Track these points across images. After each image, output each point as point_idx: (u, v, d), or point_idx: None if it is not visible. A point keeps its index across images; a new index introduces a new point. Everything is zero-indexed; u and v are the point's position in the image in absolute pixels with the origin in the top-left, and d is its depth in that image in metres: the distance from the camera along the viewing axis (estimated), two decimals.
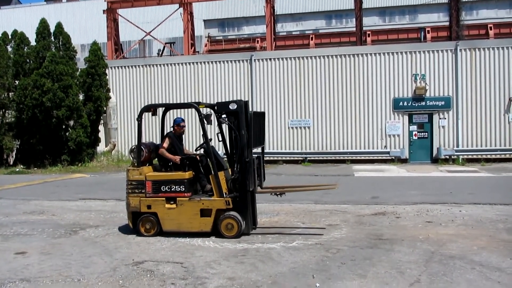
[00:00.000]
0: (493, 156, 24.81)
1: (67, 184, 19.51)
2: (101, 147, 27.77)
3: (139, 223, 9.70)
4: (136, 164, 9.88)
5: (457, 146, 25.04)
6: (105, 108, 27.09)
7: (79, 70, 26.77)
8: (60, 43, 26.46)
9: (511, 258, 7.71)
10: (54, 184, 19.56)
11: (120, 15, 37.19)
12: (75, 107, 24.96)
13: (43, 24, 26.41)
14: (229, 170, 9.74)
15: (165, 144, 9.92)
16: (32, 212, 12.93)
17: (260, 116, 10.22)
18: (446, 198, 13.83)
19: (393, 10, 47.77)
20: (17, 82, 25.99)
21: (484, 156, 24.73)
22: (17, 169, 25.05)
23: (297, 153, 26.42)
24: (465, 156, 24.92)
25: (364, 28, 35.08)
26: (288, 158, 26.44)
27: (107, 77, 27.46)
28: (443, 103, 25.25)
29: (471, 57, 25.17)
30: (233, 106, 9.46)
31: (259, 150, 10.21)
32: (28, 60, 26.26)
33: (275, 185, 11.25)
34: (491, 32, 37.15)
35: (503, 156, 24.79)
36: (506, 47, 24.95)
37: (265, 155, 10.34)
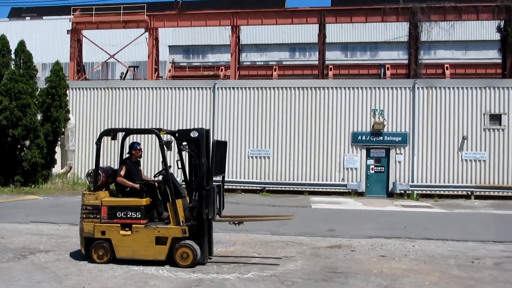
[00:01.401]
0: (446, 192, 25.42)
1: (19, 206, 18.98)
2: (57, 169, 27.14)
3: (92, 249, 9.49)
4: (92, 188, 9.72)
5: (412, 181, 25.57)
6: (63, 130, 26.62)
7: (39, 89, 26.30)
8: (21, 61, 25.97)
9: None
10: (5, 205, 18.98)
11: (85, 36, 36.93)
12: (32, 127, 24.46)
13: (2, 41, 25.94)
14: (187, 198, 9.69)
15: (122, 172, 9.84)
16: None
17: (222, 145, 10.27)
18: (400, 233, 14.06)
19: (355, 46, 49.00)
20: None
21: (437, 192, 25.31)
22: None
23: (256, 182, 26.46)
24: (420, 192, 25.45)
25: (326, 62, 35.81)
26: (246, 187, 26.43)
27: (67, 98, 27.05)
28: (400, 138, 25.84)
29: (428, 95, 25.94)
30: (194, 134, 9.48)
31: (219, 178, 10.21)
32: None
33: (233, 214, 11.23)
34: (447, 72, 38.44)
35: (455, 193, 25.42)
36: (461, 87, 25.83)
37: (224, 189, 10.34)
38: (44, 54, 45.44)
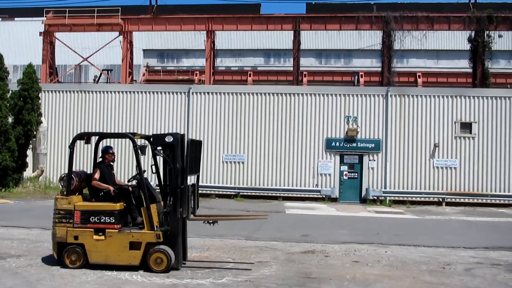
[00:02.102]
0: (418, 199, 25.75)
1: None
2: (28, 173, 26.70)
3: (65, 254, 9.39)
4: (65, 192, 9.62)
5: (385, 187, 25.85)
6: (35, 133, 26.19)
7: (11, 91, 25.84)
8: None
9: None
10: None
11: (57, 39, 36.50)
12: (3, 129, 24.02)
13: None
14: (162, 203, 9.66)
15: (96, 175, 9.78)
16: None
17: (197, 144, 10.25)
18: (373, 239, 14.21)
19: (329, 53, 49.49)
20: None
21: (409, 198, 25.60)
22: None
23: (230, 187, 26.42)
24: (392, 198, 25.71)
25: (300, 68, 36.03)
26: (221, 192, 26.38)
27: (40, 100, 26.62)
28: (373, 145, 26.13)
29: (401, 103, 26.30)
30: (169, 139, 9.46)
31: (191, 182, 10.19)
32: None
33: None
34: (420, 80, 39.07)
35: (427, 199, 25.78)
36: (433, 96, 26.25)
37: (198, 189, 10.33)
38: (15, 56, 44.78)
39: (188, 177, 9.56)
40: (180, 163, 9.43)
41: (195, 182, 10.14)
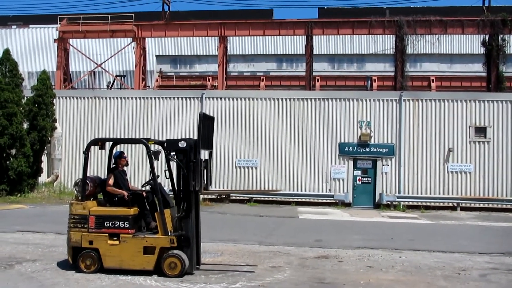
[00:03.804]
0: (433, 204, 25.55)
1: (5, 215, 18.78)
2: (43, 178, 26.92)
3: (80, 258, 9.45)
4: (80, 197, 9.70)
5: (399, 192, 25.69)
6: (49, 138, 26.43)
7: (25, 98, 26.12)
8: (7, 69, 25.78)
9: None
10: None
11: (71, 45, 36.84)
12: (19, 135, 24.29)
13: None
14: (176, 208, 9.69)
15: (110, 181, 9.84)
16: None
17: (210, 119, 10.25)
18: (387, 244, 14.13)
19: (341, 58, 49.42)
20: None
21: (424, 203, 25.42)
22: None
23: (243, 192, 26.39)
24: (406, 203, 25.55)
25: (313, 73, 36.00)
26: (234, 197, 26.37)
27: (54, 106, 26.88)
28: (386, 150, 26.01)
29: (414, 108, 26.17)
30: (182, 144, 9.50)
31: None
32: None
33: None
34: (433, 85, 38.87)
35: (441, 204, 25.58)
36: (447, 100, 26.10)
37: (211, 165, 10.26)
38: (30, 63, 45.30)
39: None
40: (193, 169, 9.44)
41: (208, 158, 10.11)
